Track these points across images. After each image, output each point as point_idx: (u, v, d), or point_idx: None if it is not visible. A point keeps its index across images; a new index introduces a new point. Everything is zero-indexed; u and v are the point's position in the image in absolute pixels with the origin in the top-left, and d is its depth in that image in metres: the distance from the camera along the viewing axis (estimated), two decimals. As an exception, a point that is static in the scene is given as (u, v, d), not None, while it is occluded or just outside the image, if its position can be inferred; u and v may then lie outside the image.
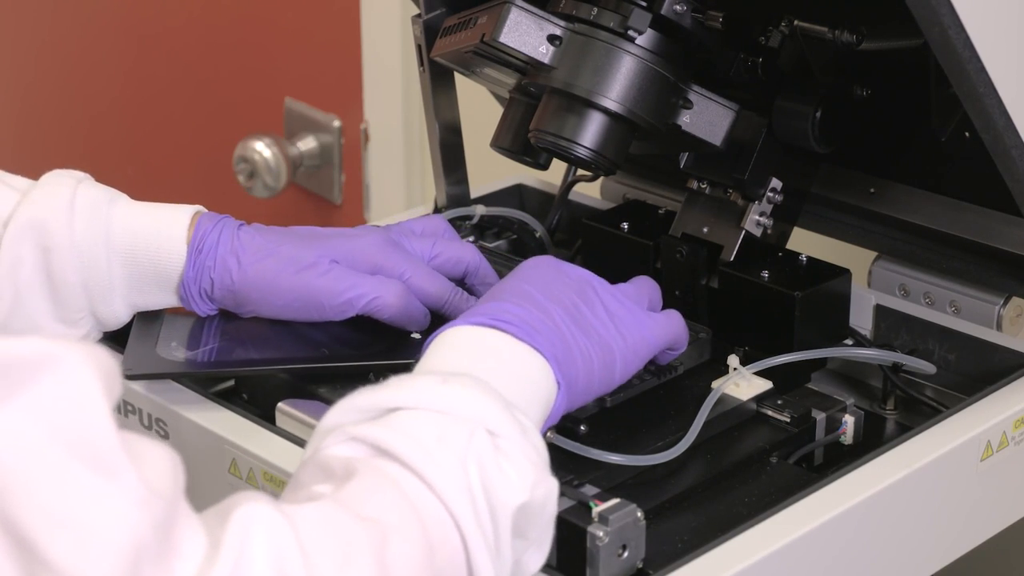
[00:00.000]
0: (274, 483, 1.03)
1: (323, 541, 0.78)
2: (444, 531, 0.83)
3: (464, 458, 0.84)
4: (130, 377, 1.10)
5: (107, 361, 0.71)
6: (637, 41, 1.15)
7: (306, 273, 1.14)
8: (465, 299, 1.17)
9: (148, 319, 1.16)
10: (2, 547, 0.67)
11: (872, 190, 1.27)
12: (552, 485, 0.88)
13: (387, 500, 0.82)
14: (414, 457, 0.83)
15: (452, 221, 1.36)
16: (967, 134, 1.15)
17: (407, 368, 0.99)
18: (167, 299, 1.15)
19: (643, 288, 1.11)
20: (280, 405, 1.10)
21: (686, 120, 1.18)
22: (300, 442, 1.06)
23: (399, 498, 0.82)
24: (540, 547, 0.90)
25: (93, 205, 1.13)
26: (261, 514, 0.76)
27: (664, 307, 1.22)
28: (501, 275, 1.20)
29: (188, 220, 1.15)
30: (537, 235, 1.39)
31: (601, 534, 0.93)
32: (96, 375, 0.70)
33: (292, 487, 0.86)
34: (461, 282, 1.21)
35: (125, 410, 1.13)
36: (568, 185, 1.43)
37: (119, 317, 1.15)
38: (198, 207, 1.17)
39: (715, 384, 1.13)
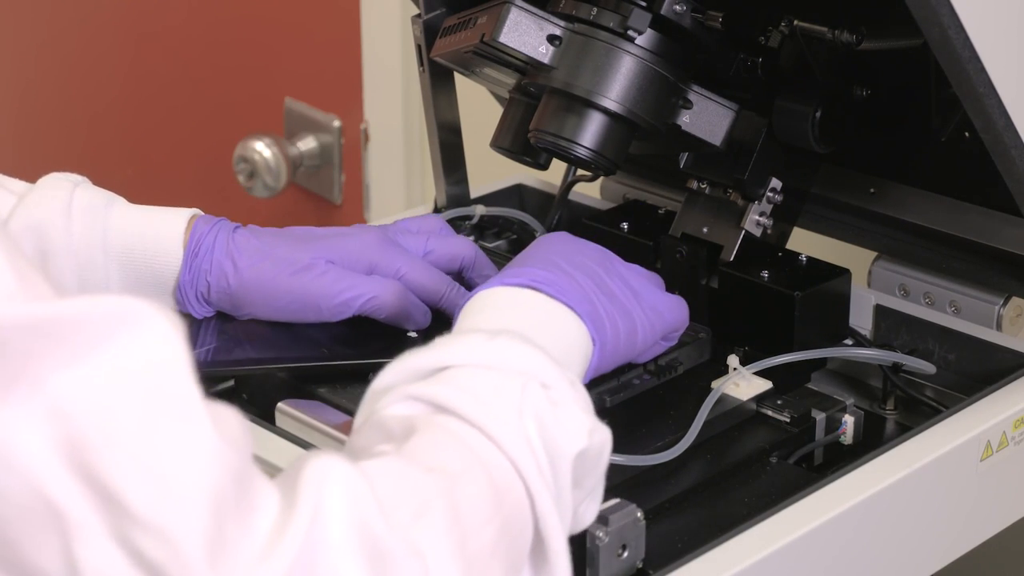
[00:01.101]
0: (274, 483, 1.03)
1: (397, 492, 0.78)
2: (508, 479, 0.83)
3: (520, 409, 0.85)
4: None
5: (178, 320, 0.71)
6: (637, 41, 1.15)
7: (303, 275, 1.14)
8: (462, 293, 1.18)
9: None
10: (86, 500, 0.67)
11: (872, 190, 1.27)
12: (607, 433, 0.89)
13: (451, 452, 0.82)
14: (472, 411, 0.84)
15: (452, 221, 1.36)
16: (967, 134, 1.15)
17: None
18: (163, 302, 1.15)
19: (652, 274, 1.12)
20: (280, 405, 1.10)
21: (686, 120, 1.18)
22: (300, 442, 1.06)
23: (462, 449, 0.83)
24: (595, 497, 0.90)
25: (90, 209, 1.13)
26: (335, 467, 0.75)
27: (664, 307, 1.22)
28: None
29: (184, 223, 1.15)
30: (537, 235, 1.39)
31: (601, 534, 0.93)
32: (175, 329, 0.70)
33: (348, 453, 0.86)
34: (460, 277, 1.21)
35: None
36: (568, 185, 1.43)
37: None
38: (195, 210, 1.17)
39: (715, 384, 1.13)
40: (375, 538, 0.74)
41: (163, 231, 1.14)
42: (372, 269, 1.16)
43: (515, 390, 0.86)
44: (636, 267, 1.10)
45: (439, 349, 0.89)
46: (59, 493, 0.67)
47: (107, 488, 0.67)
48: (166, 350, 0.70)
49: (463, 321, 0.97)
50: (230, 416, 0.73)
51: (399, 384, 0.87)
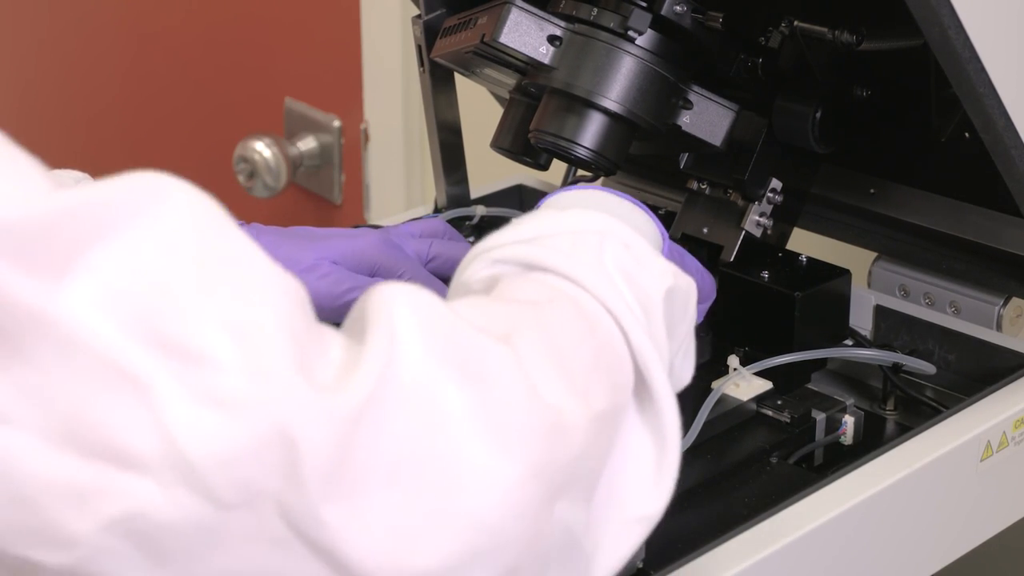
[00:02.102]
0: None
1: (484, 314, 0.77)
2: (598, 314, 0.82)
3: (602, 259, 0.84)
4: None
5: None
6: (637, 41, 1.15)
7: (305, 276, 1.14)
8: None
9: None
10: (166, 369, 0.66)
11: (872, 190, 1.27)
12: (691, 280, 0.89)
13: (536, 288, 0.82)
14: (556, 262, 0.83)
15: (452, 221, 1.36)
16: (967, 134, 1.15)
17: None
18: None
19: None
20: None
21: (686, 120, 1.18)
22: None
23: (548, 287, 0.82)
24: (688, 353, 0.90)
25: None
26: (401, 289, 0.74)
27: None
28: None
29: None
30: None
31: (601, 534, 0.93)
32: (201, 192, 0.70)
33: None
34: None
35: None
36: (568, 185, 1.43)
37: None
38: None
39: (715, 384, 1.13)
40: (459, 343, 0.73)
41: None
42: (375, 271, 1.16)
43: (595, 245, 0.85)
44: None
45: (520, 225, 0.89)
46: (136, 365, 0.66)
47: (185, 348, 0.66)
48: (200, 208, 0.70)
49: (532, 213, 0.96)
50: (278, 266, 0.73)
51: (483, 252, 0.87)
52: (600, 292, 0.82)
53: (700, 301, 1.04)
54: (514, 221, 0.90)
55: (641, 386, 0.82)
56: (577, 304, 0.82)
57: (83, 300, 0.66)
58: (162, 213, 0.69)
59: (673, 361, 0.88)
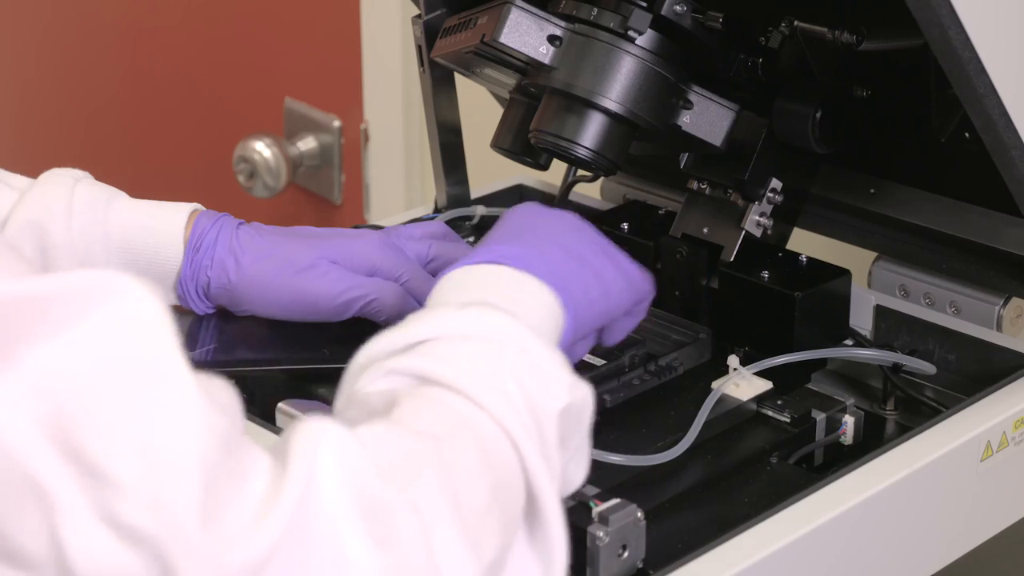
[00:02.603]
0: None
1: (388, 454, 0.78)
2: (495, 438, 0.82)
3: (500, 372, 0.85)
4: None
5: (158, 289, 0.71)
6: (637, 41, 1.15)
7: (304, 275, 1.14)
8: None
9: None
10: (70, 478, 0.66)
11: (872, 190, 1.27)
12: (587, 389, 0.89)
13: (436, 416, 0.82)
14: (453, 377, 0.84)
15: (452, 222, 1.36)
16: (967, 134, 1.15)
17: None
18: (165, 297, 1.15)
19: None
20: (280, 405, 1.10)
21: (686, 120, 1.18)
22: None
23: (447, 413, 0.82)
24: (582, 458, 0.90)
25: (91, 204, 1.13)
26: (327, 430, 0.75)
27: (664, 308, 1.22)
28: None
29: (186, 218, 1.15)
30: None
31: (601, 534, 0.93)
32: (155, 298, 0.70)
33: None
34: None
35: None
36: (568, 185, 1.43)
37: None
38: (196, 205, 1.17)
39: (715, 384, 1.13)
40: (371, 497, 0.74)
41: (164, 226, 1.14)
42: (374, 272, 1.16)
43: (492, 355, 0.85)
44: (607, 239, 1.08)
45: (412, 325, 0.88)
46: (42, 471, 0.66)
47: (92, 463, 0.67)
48: (146, 318, 0.69)
49: (432, 300, 0.96)
50: (219, 384, 0.73)
51: (377, 360, 0.87)
52: (497, 413, 0.83)
53: (638, 301, 1.06)
54: (410, 318, 0.90)
55: (532, 506, 0.84)
56: (475, 433, 0.82)
57: (5, 395, 0.66)
58: (106, 318, 0.68)
59: (566, 468, 0.89)
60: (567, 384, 0.87)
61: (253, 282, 1.14)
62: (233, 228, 1.15)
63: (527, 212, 1.06)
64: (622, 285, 1.04)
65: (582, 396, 0.88)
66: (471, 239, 1.37)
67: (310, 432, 0.75)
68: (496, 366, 0.85)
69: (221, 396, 0.72)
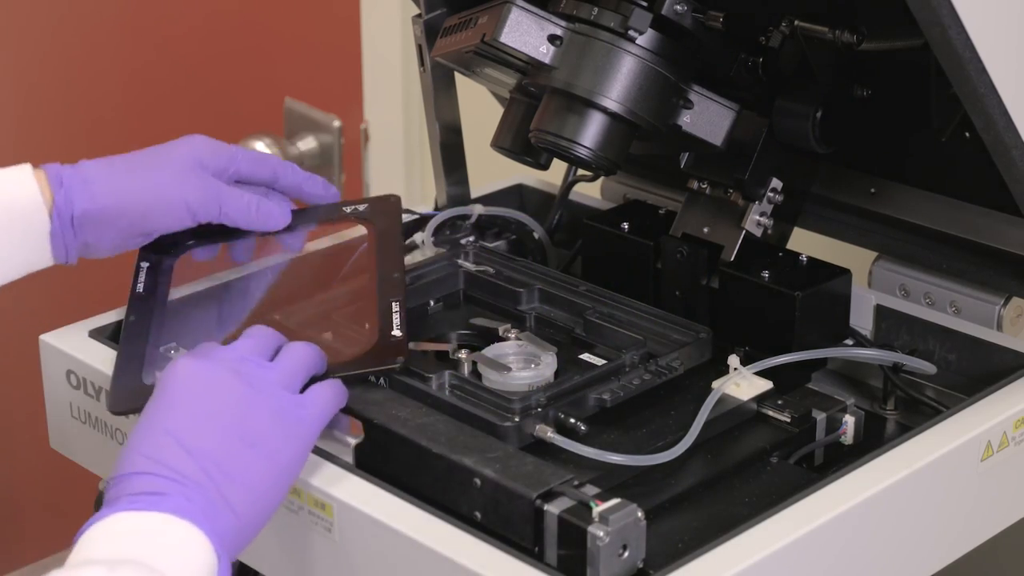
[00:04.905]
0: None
1: None
2: None
3: None
4: (118, 413, 1.10)
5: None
6: (638, 41, 1.15)
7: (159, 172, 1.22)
8: (291, 168, 1.30)
9: (129, 350, 1.15)
10: None
11: (872, 190, 1.27)
12: None
13: None
14: None
15: (451, 221, 1.37)
16: (967, 134, 1.15)
17: (394, 372, 1.08)
18: (35, 252, 1.18)
19: (261, 340, 1.07)
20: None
21: (687, 120, 1.18)
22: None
23: None
24: None
25: None
26: None
27: (663, 308, 1.22)
28: (505, 277, 1.22)
29: (30, 168, 1.18)
30: (536, 236, 1.39)
31: (602, 534, 0.93)
32: None
33: None
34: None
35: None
36: (568, 185, 1.43)
37: None
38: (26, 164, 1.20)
39: (715, 384, 1.13)
40: None
41: (12, 176, 1.17)
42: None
43: None
44: (263, 363, 1.04)
45: None
46: None
47: None
48: None
49: (85, 550, 0.93)
50: None
51: None
52: None
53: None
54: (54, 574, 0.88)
55: None
56: None
57: None
58: None
59: None
60: None
61: (116, 187, 1.19)
62: (82, 162, 1.19)
63: (186, 387, 0.99)
64: (300, 450, 1.00)
65: None
66: (471, 238, 1.37)
67: None
68: None
69: None
